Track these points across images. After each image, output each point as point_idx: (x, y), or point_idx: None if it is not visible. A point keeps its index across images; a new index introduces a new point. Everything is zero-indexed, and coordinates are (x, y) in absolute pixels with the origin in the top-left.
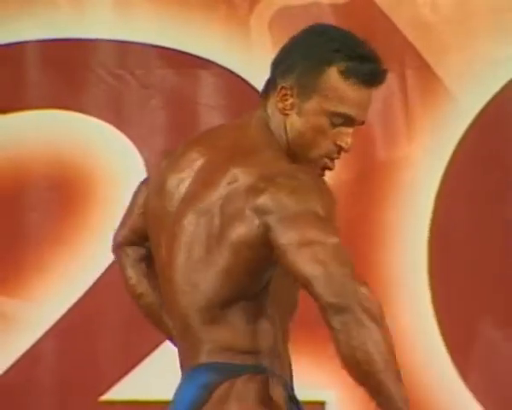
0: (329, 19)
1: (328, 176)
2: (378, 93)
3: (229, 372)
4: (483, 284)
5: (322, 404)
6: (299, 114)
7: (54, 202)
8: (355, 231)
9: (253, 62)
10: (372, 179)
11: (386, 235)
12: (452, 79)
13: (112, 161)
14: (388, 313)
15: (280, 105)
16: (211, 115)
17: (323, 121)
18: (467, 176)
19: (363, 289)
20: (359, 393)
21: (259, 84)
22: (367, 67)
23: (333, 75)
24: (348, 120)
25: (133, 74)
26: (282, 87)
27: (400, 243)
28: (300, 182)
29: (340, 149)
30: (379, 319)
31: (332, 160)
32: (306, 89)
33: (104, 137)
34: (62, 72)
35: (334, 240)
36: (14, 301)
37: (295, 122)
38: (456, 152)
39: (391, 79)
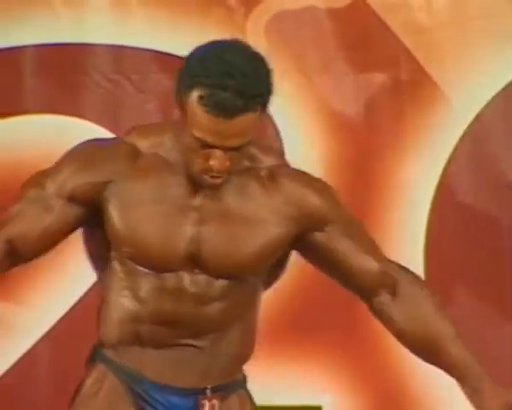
0: (326, 24)
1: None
2: (372, 97)
3: None
4: (479, 289)
5: (318, 408)
6: (182, 130)
7: None
8: None
9: None
10: (366, 184)
11: (380, 239)
12: (448, 84)
13: None
14: None
15: None
16: None
17: (192, 141)
18: (462, 181)
19: None
20: (355, 397)
21: None
22: (218, 98)
23: (193, 99)
24: (207, 144)
25: (129, 79)
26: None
27: (395, 248)
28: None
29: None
30: None
31: (213, 177)
32: (181, 110)
33: None
34: (59, 76)
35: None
36: (9, 305)
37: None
38: (452, 157)
39: (386, 84)
